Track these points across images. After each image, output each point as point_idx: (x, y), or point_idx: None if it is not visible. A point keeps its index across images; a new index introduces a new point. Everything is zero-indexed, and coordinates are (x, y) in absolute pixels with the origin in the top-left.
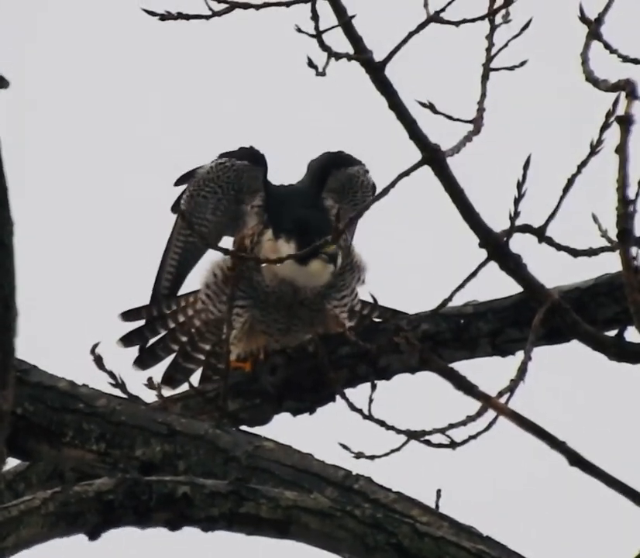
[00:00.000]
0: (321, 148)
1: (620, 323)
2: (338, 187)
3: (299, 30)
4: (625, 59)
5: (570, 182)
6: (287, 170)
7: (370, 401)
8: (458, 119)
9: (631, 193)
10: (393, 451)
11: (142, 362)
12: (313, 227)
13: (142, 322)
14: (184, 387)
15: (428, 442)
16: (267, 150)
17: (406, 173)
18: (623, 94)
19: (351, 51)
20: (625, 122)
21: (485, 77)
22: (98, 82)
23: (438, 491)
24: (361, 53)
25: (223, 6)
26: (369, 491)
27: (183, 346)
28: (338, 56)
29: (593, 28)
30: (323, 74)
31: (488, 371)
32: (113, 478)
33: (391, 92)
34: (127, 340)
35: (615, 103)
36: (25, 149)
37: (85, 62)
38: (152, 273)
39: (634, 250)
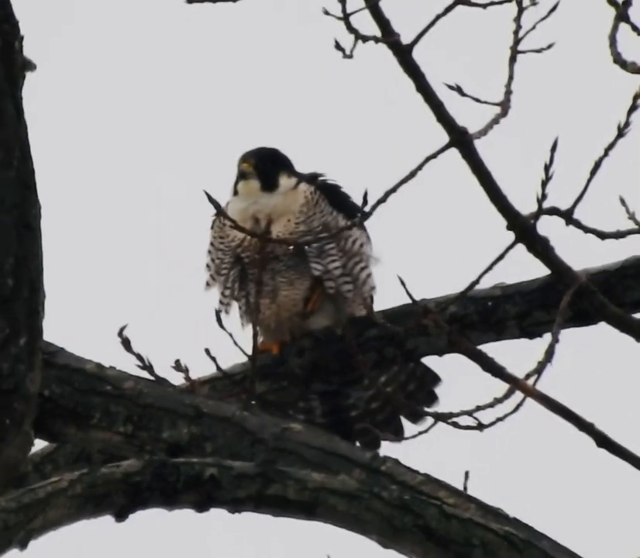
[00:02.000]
0: (347, 131)
1: None
2: None
3: (326, 13)
4: None
5: (597, 165)
6: (313, 152)
7: (400, 383)
8: (485, 102)
9: None
10: (420, 433)
11: None
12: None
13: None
14: (212, 369)
15: (455, 424)
16: (293, 134)
17: (433, 156)
18: None
19: (378, 34)
20: None
21: (512, 60)
22: (124, 69)
23: (467, 473)
24: (388, 36)
25: None
26: (397, 473)
27: None
28: (365, 38)
29: (621, 10)
30: (350, 56)
31: (515, 353)
32: (140, 460)
33: (418, 75)
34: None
35: None
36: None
37: (111, 48)
38: (181, 254)
39: None
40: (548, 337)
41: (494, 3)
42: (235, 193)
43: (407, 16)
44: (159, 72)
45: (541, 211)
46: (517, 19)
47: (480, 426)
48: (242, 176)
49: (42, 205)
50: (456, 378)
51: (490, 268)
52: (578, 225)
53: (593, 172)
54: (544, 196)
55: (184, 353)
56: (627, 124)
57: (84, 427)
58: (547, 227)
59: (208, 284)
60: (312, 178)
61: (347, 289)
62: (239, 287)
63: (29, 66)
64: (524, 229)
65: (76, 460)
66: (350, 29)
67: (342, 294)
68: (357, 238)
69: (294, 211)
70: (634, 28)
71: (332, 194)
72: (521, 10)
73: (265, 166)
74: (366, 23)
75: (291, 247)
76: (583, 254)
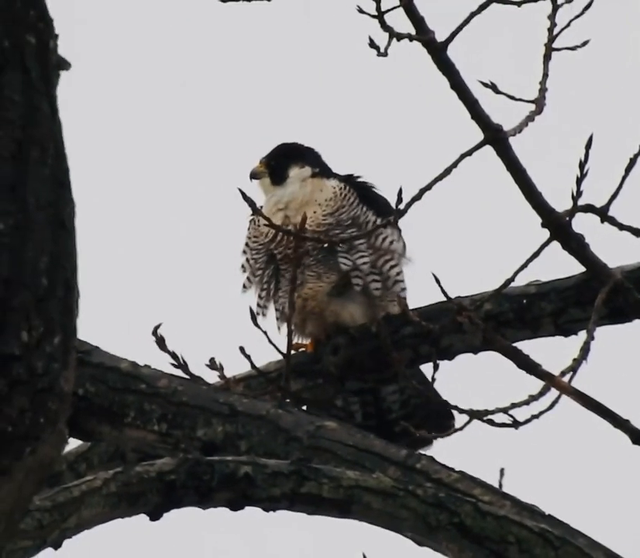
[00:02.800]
0: (382, 129)
1: None
2: None
3: (361, 11)
4: None
5: (632, 161)
6: (348, 150)
7: (433, 380)
8: (520, 99)
9: None
10: (455, 430)
11: None
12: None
13: None
14: (247, 367)
15: (490, 422)
16: (328, 132)
17: (468, 153)
18: None
19: (413, 32)
20: None
21: (547, 57)
22: (157, 64)
23: (502, 470)
24: (423, 34)
25: None
26: (432, 470)
27: None
28: (399, 36)
29: None
30: (385, 54)
31: (551, 351)
32: (175, 458)
33: (453, 72)
34: None
35: None
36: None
37: (144, 43)
38: (217, 252)
39: None
40: (583, 334)
41: (529, 1)
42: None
43: (442, 14)
44: (197, 69)
45: (576, 209)
46: (552, 17)
47: (515, 424)
48: (253, 176)
49: (77, 204)
50: (491, 376)
51: (525, 266)
52: (613, 222)
53: (628, 169)
54: (579, 193)
55: (219, 351)
56: None
57: (118, 425)
58: (582, 224)
59: (245, 287)
60: (347, 178)
61: (375, 287)
62: (274, 286)
63: (64, 64)
64: (559, 227)
65: (110, 459)
66: (385, 27)
67: (369, 291)
68: (388, 235)
69: (320, 201)
70: None
71: (362, 191)
72: (555, 7)
73: (275, 161)
74: (400, 21)
75: (325, 245)
76: (618, 251)
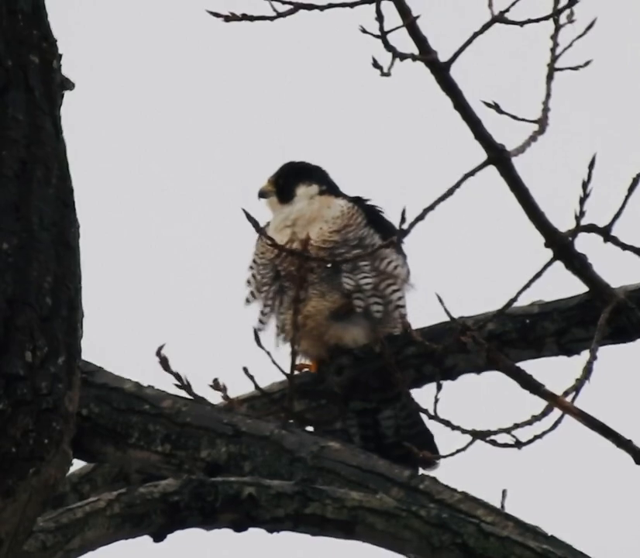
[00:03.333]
0: (387, 148)
1: None
2: None
3: (364, 31)
4: None
5: (635, 181)
6: (352, 170)
7: (436, 400)
8: (523, 119)
9: None
10: (458, 451)
11: None
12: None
13: None
14: (250, 387)
15: (493, 442)
16: (331, 151)
17: (471, 174)
18: None
19: (416, 51)
20: None
21: (550, 77)
22: (162, 83)
23: (504, 491)
24: (426, 54)
25: (287, 7)
26: (435, 491)
27: None
28: (403, 56)
29: None
30: (388, 74)
31: (554, 371)
32: (178, 479)
33: (456, 92)
34: None
35: None
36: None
37: (149, 63)
38: (219, 273)
39: None
40: (586, 354)
41: (531, 21)
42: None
43: (445, 34)
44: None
45: (579, 228)
46: (554, 37)
47: (518, 444)
48: (261, 195)
49: (80, 224)
50: (494, 396)
51: (528, 285)
52: (616, 242)
53: (631, 189)
54: (582, 213)
55: (222, 371)
56: None
57: (122, 446)
58: (585, 244)
59: (248, 301)
60: (355, 200)
61: (377, 309)
62: (277, 303)
63: (67, 84)
64: (562, 246)
65: (114, 480)
66: (388, 46)
67: (370, 313)
68: (393, 260)
69: (327, 218)
70: None
71: (369, 212)
72: (557, 28)
73: (283, 180)
74: (403, 41)
75: (329, 265)
76: (620, 271)
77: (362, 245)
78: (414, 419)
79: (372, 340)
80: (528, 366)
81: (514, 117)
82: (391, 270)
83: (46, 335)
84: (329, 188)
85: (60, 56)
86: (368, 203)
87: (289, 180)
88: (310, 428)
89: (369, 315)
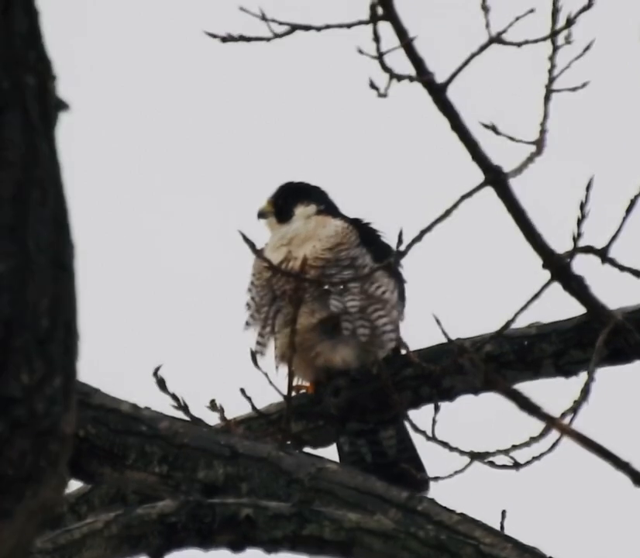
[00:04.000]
0: (383, 169)
1: None
2: None
3: (360, 52)
4: None
5: (633, 203)
6: (348, 191)
7: (434, 422)
8: (520, 140)
9: None
10: (456, 472)
11: None
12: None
13: None
14: (247, 408)
15: (491, 464)
16: (327, 173)
17: (468, 195)
18: None
19: (413, 72)
20: None
21: (547, 98)
22: (158, 104)
23: (503, 512)
24: (423, 75)
25: (284, 28)
26: (433, 513)
27: None
28: (399, 77)
29: None
30: (385, 95)
31: (552, 392)
32: (176, 500)
33: (453, 113)
34: None
35: None
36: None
37: (145, 84)
38: (216, 294)
39: None
40: (584, 376)
41: (529, 42)
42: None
43: (442, 55)
44: (195, 109)
45: (576, 250)
46: (552, 58)
47: (516, 465)
48: (260, 216)
49: (77, 245)
50: (492, 417)
51: (525, 307)
52: (613, 263)
53: (629, 210)
54: (579, 234)
55: (220, 392)
56: None
57: (119, 467)
58: (582, 266)
59: (247, 324)
60: (353, 221)
61: (363, 333)
62: (273, 324)
63: (63, 105)
64: (559, 268)
65: (111, 501)
66: (384, 68)
67: (356, 335)
68: (382, 284)
69: (320, 236)
70: None
71: (365, 233)
72: (555, 49)
73: (282, 200)
74: (400, 62)
75: (326, 287)
76: (618, 293)
77: (354, 265)
78: (405, 445)
79: (367, 362)
80: (526, 387)
81: (512, 138)
82: (380, 294)
83: (42, 357)
84: (327, 208)
85: (56, 77)
86: (366, 224)
87: (288, 201)
88: (308, 450)
89: (356, 338)
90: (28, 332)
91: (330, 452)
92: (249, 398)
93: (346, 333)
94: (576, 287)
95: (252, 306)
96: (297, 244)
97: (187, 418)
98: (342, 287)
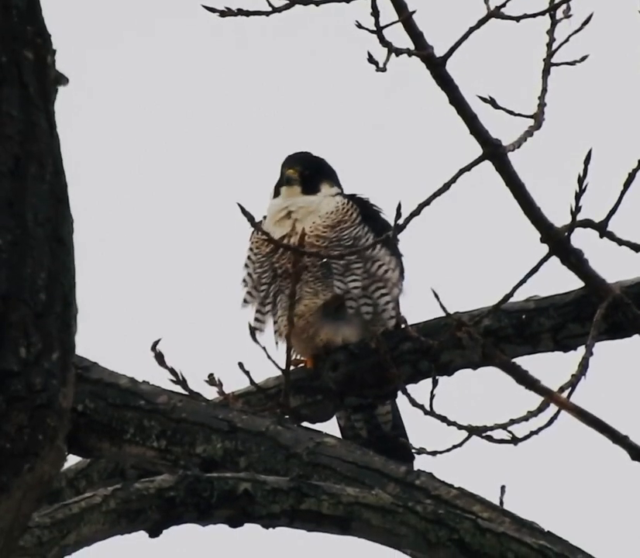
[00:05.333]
0: (382, 143)
1: None
2: None
3: (359, 26)
4: None
5: (631, 177)
6: (347, 166)
7: (432, 396)
8: (519, 114)
9: None
10: (454, 447)
11: None
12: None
13: None
14: (246, 383)
15: (489, 438)
16: (326, 148)
17: (467, 169)
18: None
19: (411, 47)
20: None
21: (546, 72)
22: (157, 81)
23: (503, 487)
24: (422, 49)
25: (283, 2)
26: (431, 487)
27: None
28: (398, 51)
29: None
30: (384, 69)
31: (550, 366)
32: (174, 475)
33: (452, 87)
34: None
35: None
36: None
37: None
38: (215, 267)
39: None
40: (582, 350)
41: (528, 16)
42: (276, 195)
43: (440, 29)
44: (188, 88)
45: (575, 224)
46: (551, 32)
47: (514, 440)
48: (287, 182)
49: (75, 220)
50: (490, 391)
51: (523, 281)
52: (612, 237)
53: (627, 184)
54: (578, 208)
55: (218, 367)
56: None
57: (117, 442)
58: (581, 239)
59: (245, 301)
60: (351, 196)
61: (366, 311)
62: (273, 301)
63: (62, 80)
64: (557, 242)
65: (110, 476)
66: (383, 42)
67: (360, 314)
68: (385, 263)
69: (320, 212)
70: None
71: (364, 209)
72: (554, 23)
73: (309, 174)
74: (399, 36)
75: (325, 260)
76: (617, 267)
77: (356, 245)
78: (395, 423)
79: (367, 336)
80: (524, 361)
81: (510, 112)
82: (382, 273)
83: (40, 331)
84: (340, 190)
85: (55, 51)
86: (366, 201)
87: (314, 175)
88: (306, 424)
89: (359, 317)
90: (26, 306)
91: (328, 427)
92: (247, 373)
93: (351, 312)
94: (575, 261)
95: (250, 282)
96: (303, 216)
97: (185, 392)
98: (342, 261)
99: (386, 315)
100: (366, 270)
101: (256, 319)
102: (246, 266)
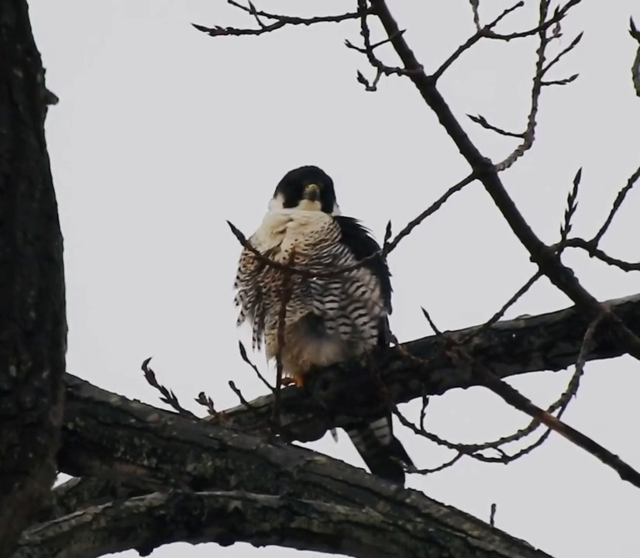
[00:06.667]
0: (372, 162)
1: None
2: None
3: (349, 45)
4: None
5: (621, 196)
6: (337, 183)
7: (422, 415)
8: (509, 133)
9: None
10: (445, 465)
11: None
12: (295, 176)
13: None
14: (236, 401)
15: (480, 457)
16: (317, 164)
17: (457, 188)
18: None
19: (401, 66)
20: None
21: (536, 91)
22: (148, 98)
23: (493, 506)
24: (411, 68)
25: (273, 21)
26: (421, 505)
27: None
28: (388, 70)
29: None
30: (373, 88)
31: (540, 385)
32: (165, 493)
33: (442, 106)
34: None
35: None
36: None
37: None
38: (207, 286)
39: None
40: (572, 369)
41: (517, 35)
42: (290, 205)
43: (430, 48)
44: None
45: (565, 243)
46: (541, 51)
47: (505, 458)
48: (311, 196)
49: (65, 237)
50: (481, 410)
51: (513, 300)
52: (602, 256)
53: (617, 203)
54: (568, 227)
55: (209, 385)
56: None
57: (108, 460)
58: (571, 258)
59: (239, 321)
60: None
61: (344, 331)
62: (261, 319)
63: (52, 98)
64: (547, 261)
65: (100, 494)
66: (373, 61)
67: (339, 335)
68: (364, 284)
69: (305, 231)
70: None
71: (346, 228)
72: (544, 42)
73: (325, 191)
74: (389, 55)
75: (314, 279)
76: (607, 286)
77: (334, 264)
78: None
79: (355, 355)
80: (514, 380)
81: (500, 131)
82: (359, 294)
83: (30, 349)
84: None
85: (45, 70)
86: (350, 219)
87: (329, 194)
88: (297, 443)
89: (338, 336)
90: (16, 324)
91: (319, 445)
92: (238, 391)
93: (330, 332)
94: (565, 279)
95: (241, 301)
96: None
97: (176, 410)
98: (327, 279)
99: (365, 334)
100: (344, 290)
101: (253, 338)
102: (236, 285)
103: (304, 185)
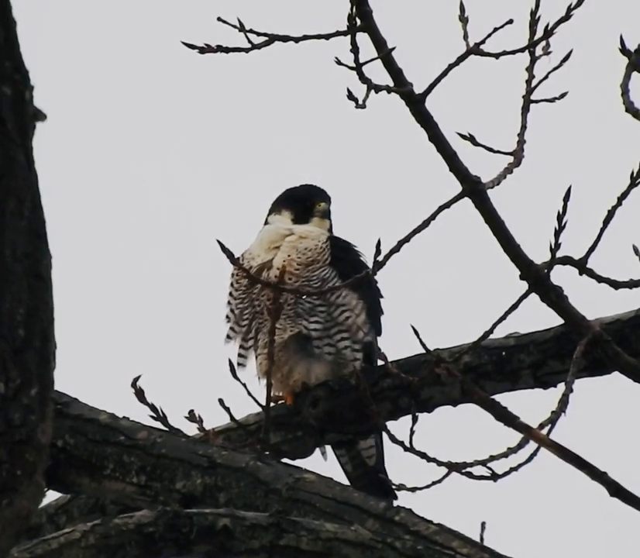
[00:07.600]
0: (361, 180)
1: None
2: None
3: (339, 62)
4: None
5: (611, 214)
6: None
7: (412, 433)
8: (498, 151)
9: None
10: (434, 483)
11: None
12: (303, 193)
13: None
14: (226, 419)
15: (469, 474)
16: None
17: (446, 206)
18: None
19: (391, 83)
20: None
21: (525, 109)
22: (137, 116)
23: (483, 523)
24: (401, 86)
25: (262, 39)
26: (410, 523)
27: None
28: (378, 88)
29: (634, 59)
30: (363, 106)
31: (530, 403)
32: (153, 511)
33: (431, 124)
34: None
35: None
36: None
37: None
38: (196, 303)
39: None
40: (562, 387)
41: (507, 53)
42: (300, 221)
43: (420, 65)
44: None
45: (554, 261)
46: (530, 69)
47: (494, 476)
48: (324, 215)
49: (53, 255)
50: (470, 428)
51: (503, 318)
52: (591, 274)
53: (607, 221)
54: (557, 245)
55: (198, 403)
56: None
57: (97, 477)
58: (560, 276)
59: (228, 337)
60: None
61: (328, 351)
62: (253, 338)
63: (40, 116)
64: (537, 279)
65: (90, 511)
66: (363, 78)
67: (323, 355)
68: (349, 308)
69: (299, 247)
70: None
71: (337, 251)
72: (533, 59)
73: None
74: (378, 73)
75: (305, 297)
76: (596, 304)
77: (323, 284)
78: (379, 458)
79: (344, 374)
80: (504, 398)
81: (490, 149)
82: (343, 319)
83: (18, 366)
84: None
85: (33, 87)
86: (340, 240)
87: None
88: (286, 460)
89: (323, 357)
90: (4, 341)
91: (308, 463)
92: (227, 409)
93: (317, 352)
94: (554, 297)
95: (232, 318)
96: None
97: (165, 428)
98: (316, 299)
99: (348, 357)
100: (329, 313)
101: (239, 355)
102: (229, 303)
103: (316, 203)
